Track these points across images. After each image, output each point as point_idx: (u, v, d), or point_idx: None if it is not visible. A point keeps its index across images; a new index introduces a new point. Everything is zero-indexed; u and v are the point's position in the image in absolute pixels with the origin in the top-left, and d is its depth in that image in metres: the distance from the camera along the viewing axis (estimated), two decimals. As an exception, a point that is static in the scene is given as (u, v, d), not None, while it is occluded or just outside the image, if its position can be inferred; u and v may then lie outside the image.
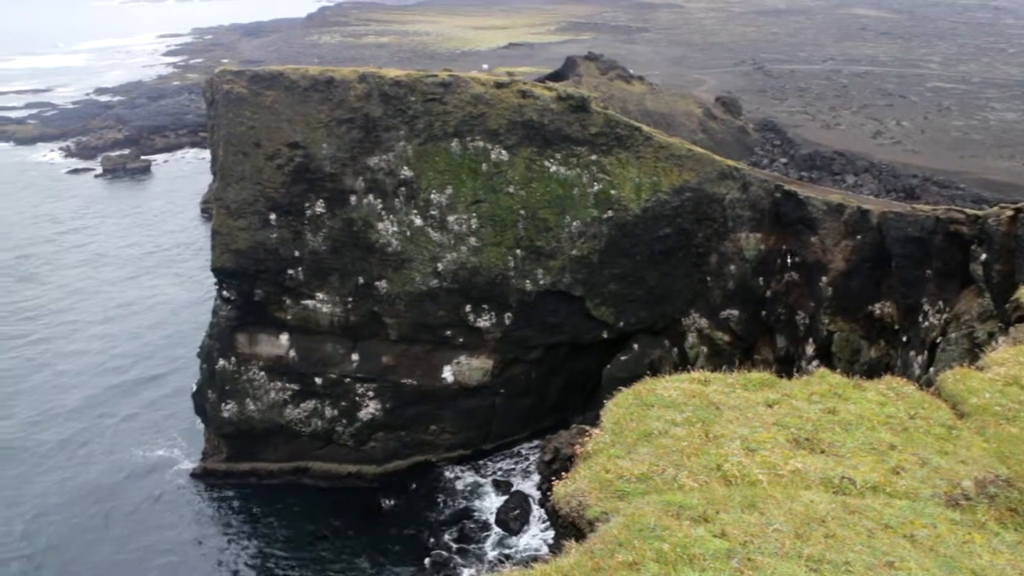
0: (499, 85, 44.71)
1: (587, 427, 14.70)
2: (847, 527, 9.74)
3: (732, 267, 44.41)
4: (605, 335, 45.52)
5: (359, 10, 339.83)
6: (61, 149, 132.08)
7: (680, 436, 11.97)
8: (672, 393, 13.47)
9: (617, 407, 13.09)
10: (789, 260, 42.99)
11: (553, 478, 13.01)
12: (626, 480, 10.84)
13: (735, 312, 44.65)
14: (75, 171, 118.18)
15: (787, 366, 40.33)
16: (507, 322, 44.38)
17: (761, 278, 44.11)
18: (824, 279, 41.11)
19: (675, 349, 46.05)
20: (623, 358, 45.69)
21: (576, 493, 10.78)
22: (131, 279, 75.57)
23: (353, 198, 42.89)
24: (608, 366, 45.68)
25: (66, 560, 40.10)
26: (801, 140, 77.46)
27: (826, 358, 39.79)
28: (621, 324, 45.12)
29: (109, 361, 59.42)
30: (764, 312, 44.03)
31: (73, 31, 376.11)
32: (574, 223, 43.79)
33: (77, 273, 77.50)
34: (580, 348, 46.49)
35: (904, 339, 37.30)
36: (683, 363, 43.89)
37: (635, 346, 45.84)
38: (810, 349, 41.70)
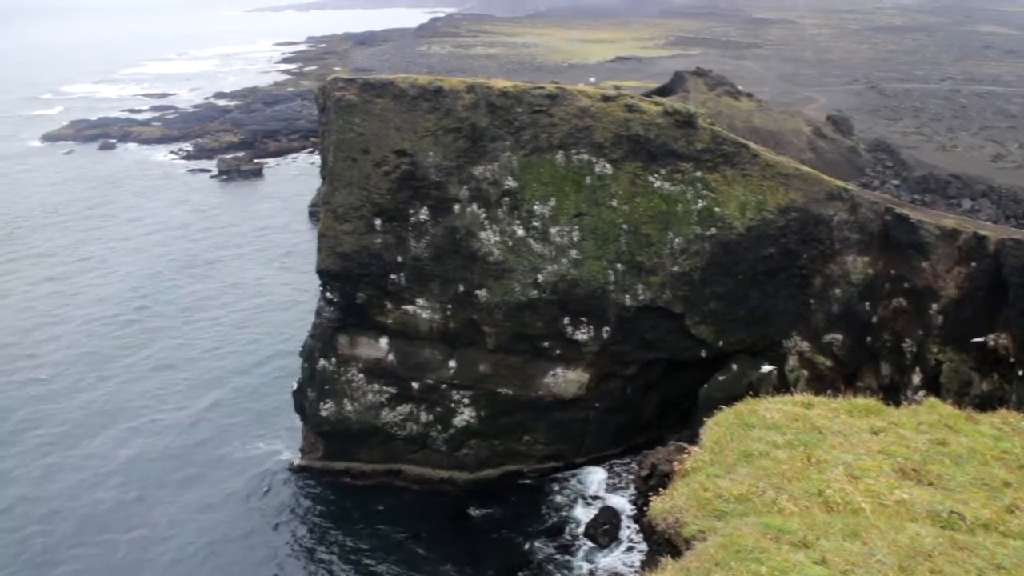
0: (606, 98, 44.68)
1: (685, 444, 14.57)
2: (955, 564, 9.42)
3: (837, 290, 43.29)
4: (703, 354, 44.86)
5: (469, 21, 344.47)
6: (181, 150, 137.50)
7: (781, 459, 11.76)
8: (774, 415, 13.25)
9: (718, 426, 12.96)
10: (898, 285, 41.67)
11: (650, 494, 12.93)
12: (725, 500, 10.71)
13: (839, 336, 43.48)
14: (192, 171, 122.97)
15: (892, 395, 39.06)
16: (605, 336, 44.21)
17: (867, 303, 42.87)
18: (934, 306, 39.71)
19: (775, 371, 45.07)
20: (721, 378, 44.94)
21: (673, 510, 10.70)
22: (239, 278, 78.08)
23: (457, 206, 43.43)
24: (705, 385, 44.99)
25: (161, 543, 41.56)
26: (915, 162, 75.09)
27: (933, 388, 38.39)
28: (720, 343, 44.43)
29: (216, 356, 61.48)
30: (869, 338, 42.76)
31: (199, 39, 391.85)
32: (676, 239, 43.39)
33: (188, 271, 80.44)
34: (677, 366, 45.96)
35: (1020, 373, 35.72)
36: (783, 386, 42.93)
37: (734, 366, 45.04)
38: (917, 378, 40.30)
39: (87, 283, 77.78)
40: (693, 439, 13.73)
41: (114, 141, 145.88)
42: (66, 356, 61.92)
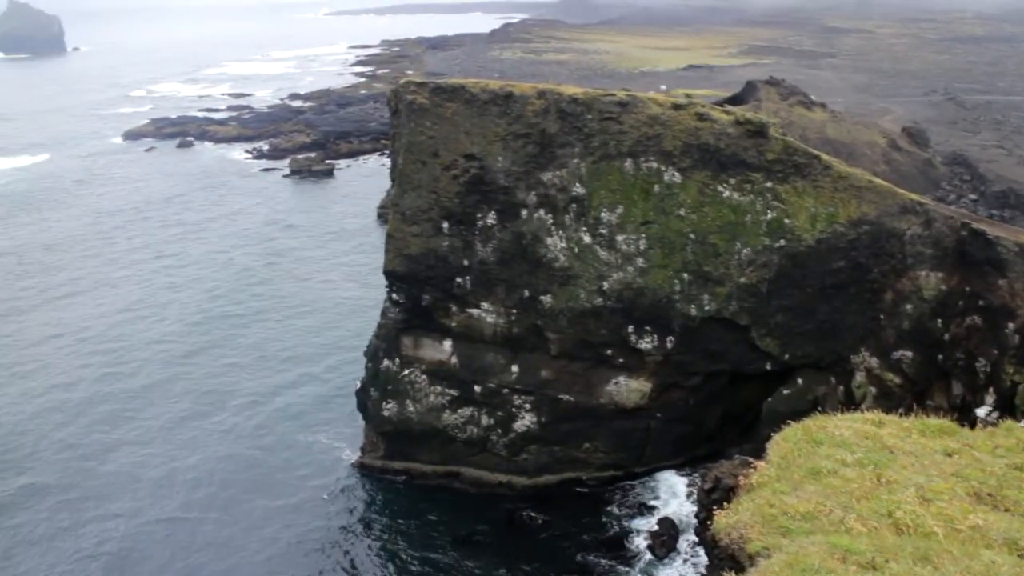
0: (676, 107, 44.38)
1: (750, 459, 14.38)
2: (1030, 593, 9.16)
3: (908, 306, 42.33)
4: (768, 367, 44.26)
5: (541, 27, 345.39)
6: (255, 149, 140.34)
7: (850, 477, 11.53)
8: (843, 432, 13.00)
9: (785, 441, 12.77)
10: (972, 303, 40.61)
11: (713, 507, 12.80)
12: (791, 517, 10.54)
13: (908, 353, 42.52)
14: (265, 170, 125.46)
15: (963, 415, 38.05)
16: (669, 346, 43.88)
17: (940, 320, 41.84)
18: (1011, 326, 38.58)
19: (841, 387, 44.24)
20: (786, 392, 44.30)
21: (737, 525, 10.57)
22: (307, 277, 79.35)
23: (524, 212, 43.53)
24: (769, 399, 44.40)
25: (218, 535, 42.41)
26: (994, 176, 73.15)
27: (1007, 410, 37.30)
28: (786, 357, 43.77)
29: (281, 354, 62.56)
30: (941, 356, 41.73)
31: (279, 41, 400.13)
32: (744, 250, 42.88)
33: (257, 269, 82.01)
34: (741, 378, 45.43)
35: (1100, 398, 34.51)
36: (849, 402, 42.11)
37: (799, 381, 44.35)
38: (990, 399, 39.20)
39: (161, 282, 79.76)
40: (757, 453, 13.52)
41: (192, 139, 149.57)
42: (140, 353, 63.52)
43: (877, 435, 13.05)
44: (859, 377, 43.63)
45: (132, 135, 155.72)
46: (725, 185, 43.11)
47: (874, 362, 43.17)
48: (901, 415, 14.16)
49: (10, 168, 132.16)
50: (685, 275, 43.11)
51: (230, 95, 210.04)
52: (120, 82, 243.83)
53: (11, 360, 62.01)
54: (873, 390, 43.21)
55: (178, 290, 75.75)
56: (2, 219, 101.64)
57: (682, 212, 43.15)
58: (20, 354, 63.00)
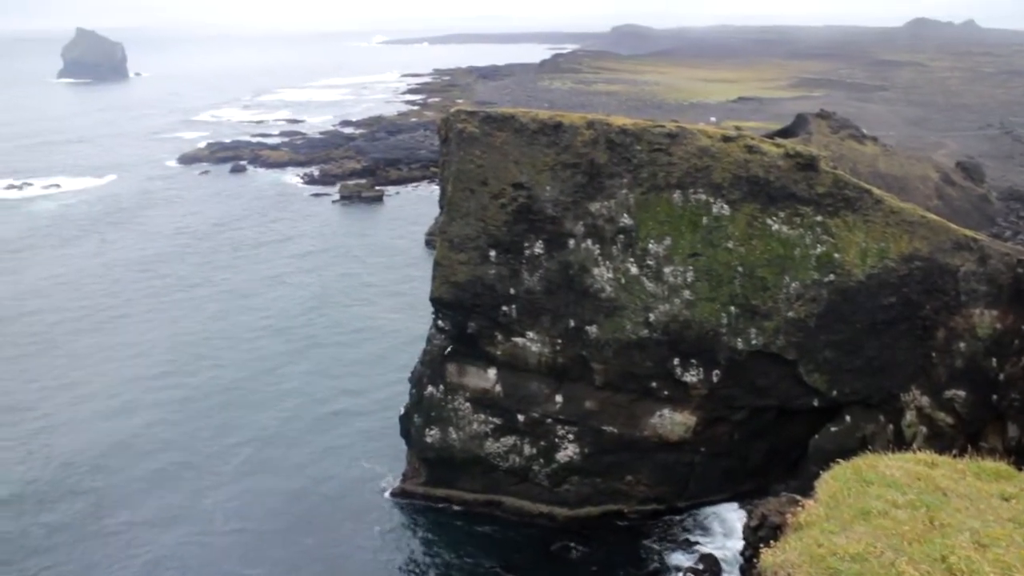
0: (726, 139, 44.23)
1: (798, 497, 14.14)
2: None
3: (961, 344, 41.49)
4: (816, 403, 43.60)
5: (591, 58, 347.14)
6: (306, 175, 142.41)
7: (902, 519, 11.27)
8: (895, 472, 12.73)
9: (834, 480, 12.53)
10: (1030, 343, 39.67)
11: (759, 545, 12.60)
12: (840, 558, 10.32)
13: (961, 393, 41.62)
14: (316, 195, 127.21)
15: (1020, 458, 37.08)
16: (714, 379, 43.45)
17: (994, 359, 40.92)
18: (1070, 368, 37.62)
19: (891, 426, 43.39)
20: (833, 429, 43.56)
21: (785, 564, 10.38)
22: (353, 301, 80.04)
23: (571, 241, 43.55)
24: (816, 436, 43.67)
25: (255, 557, 42.57)
26: (1052, 214, 71.66)
27: (1066, 454, 36.30)
28: (834, 393, 43.09)
29: (326, 377, 63.06)
30: (995, 396, 40.77)
31: (331, 68, 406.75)
32: (793, 284, 42.44)
33: (305, 292, 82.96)
34: (788, 413, 44.78)
35: None
36: (899, 442, 41.27)
37: (847, 418, 43.59)
38: (1047, 442, 38.19)
39: (210, 307, 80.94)
40: (803, 490, 13.27)
41: (245, 164, 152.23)
42: (189, 379, 64.35)
43: (930, 476, 12.76)
44: (909, 416, 42.79)
45: (188, 159, 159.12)
46: (774, 218, 42.79)
47: (925, 401, 42.32)
48: (954, 456, 13.82)
49: (75, 189, 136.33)
50: (732, 308, 42.75)
51: (283, 121, 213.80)
52: (178, 107, 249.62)
53: (61, 383, 63.21)
54: (924, 430, 42.34)
55: (227, 315, 76.77)
56: (66, 241, 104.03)
57: (730, 245, 42.87)
58: (71, 377, 64.21)
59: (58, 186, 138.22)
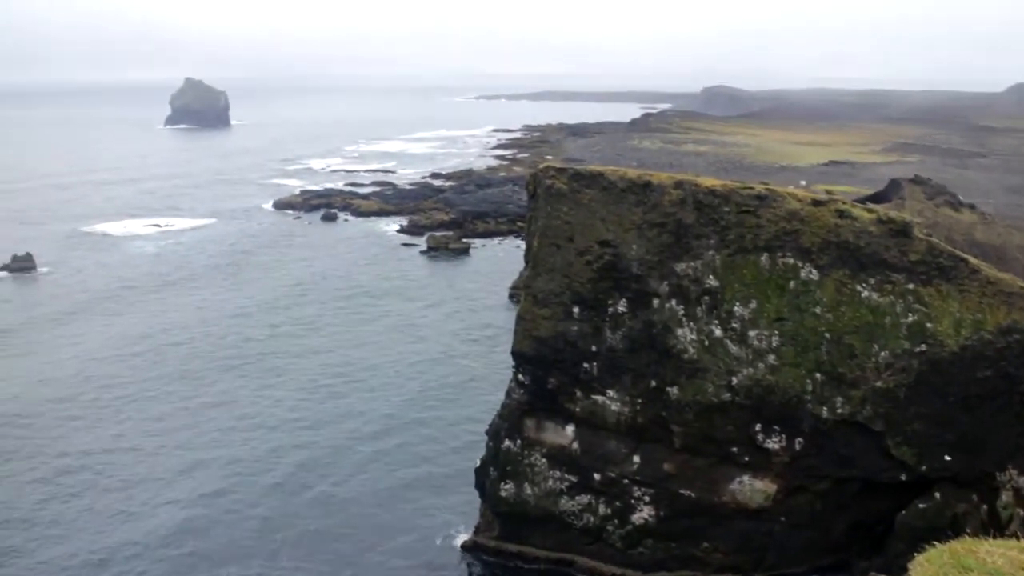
0: (816, 203, 43.78)
1: None
2: None
3: (1063, 424, 39.78)
4: (903, 477, 42.16)
5: (681, 118, 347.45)
6: (395, 224, 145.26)
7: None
8: (997, 560, 12.17)
9: (929, 564, 12.04)
10: None
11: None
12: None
13: (1062, 476, 39.80)
14: (404, 245, 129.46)
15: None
16: (797, 447, 42.46)
17: (1098, 441, 39.11)
18: None
19: (984, 506, 41.62)
20: (922, 506, 41.99)
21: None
22: (436, 352, 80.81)
23: (656, 301, 43.42)
24: (903, 512, 42.15)
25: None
26: None
27: None
28: (923, 468, 41.62)
29: (403, 426, 63.58)
30: (1099, 481, 38.89)
31: (425, 121, 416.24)
32: (882, 353, 41.41)
33: (390, 340, 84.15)
34: (873, 487, 43.36)
35: None
36: (993, 524, 39.53)
37: (937, 495, 41.98)
38: None
39: (293, 350, 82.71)
40: (888, 569, 12.82)
41: (336, 212, 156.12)
42: (265, 419, 65.66)
43: (1036, 566, 12.18)
44: (1005, 497, 41.03)
45: (282, 204, 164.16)
46: (864, 285, 41.99)
47: (1023, 481, 40.59)
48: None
49: (175, 230, 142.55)
50: (818, 375, 41.89)
51: (375, 171, 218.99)
52: (275, 155, 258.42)
53: (158, 427, 65.12)
54: (1021, 512, 40.54)
55: (309, 359, 78.26)
56: (169, 285, 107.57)
57: (818, 310, 42.17)
58: (177, 423, 66.15)
59: (158, 226, 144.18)
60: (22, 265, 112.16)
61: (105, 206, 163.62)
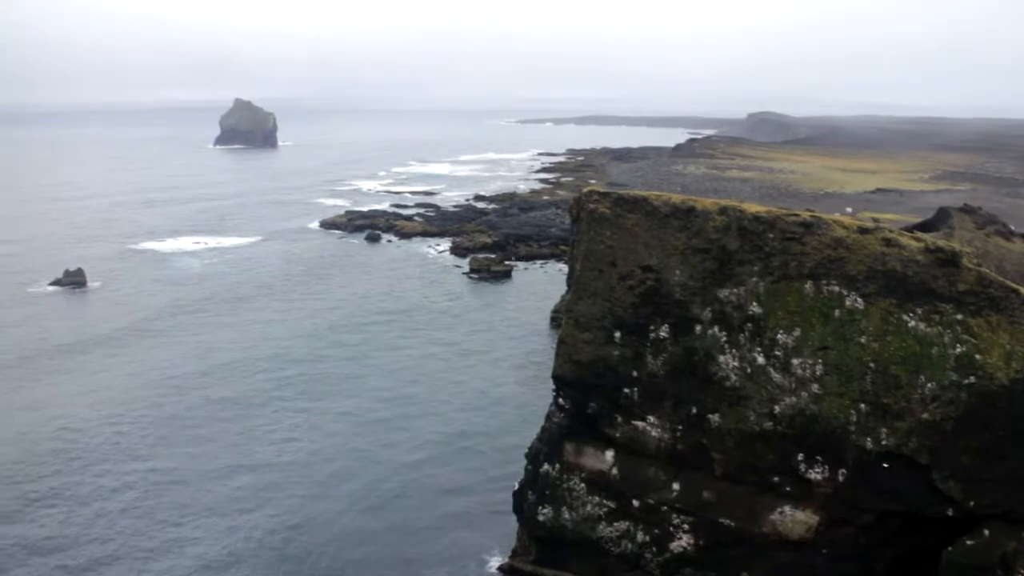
0: (862, 230, 43.26)
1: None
2: None
3: (1118, 462, 38.71)
4: (950, 512, 41.21)
5: (726, 144, 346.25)
6: (437, 246, 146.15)
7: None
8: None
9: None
10: None
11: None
12: None
13: (1116, 514, 38.70)
14: (446, 267, 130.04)
15: None
16: (840, 479, 41.77)
17: None
18: None
19: (1035, 545, 40.52)
20: (969, 543, 40.96)
21: None
22: (477, 375, 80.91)
23: (698, 327, 43.13)
24: (950, 548, 41.17)
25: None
26: None
27: None
28: (971, 503, 40.66)
29: (441, 448, 63.73)
30: None
31: (470, 145, 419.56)
32: (929, 384, 40.65)
33: (431, 361, 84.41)
34: (919, 521, 42.47)
35: None
36: (1043, 562, 38.49)
37: (985, 532, 40.94)
38: None
39: (338, 370, 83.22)
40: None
41: (379, 232, 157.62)
42: (305, 444, 66.11)
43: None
44: (1055, 535, 39.92)
45: (327, 224, 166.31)
46: (911, 314, 41.34)
47: (1073, 520, 39.51)
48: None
49: (225, 247, 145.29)
50: (862, 405, 41.24)
51: (419, 193, 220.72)
52: (321, 175, 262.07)
53: (202, 451, 65.86)
54: (1072, 551, 39.41)
55: (350, 379, 78.72)
56: (214, 306, 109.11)
57: (863, 339, 41.57)
58: (221, 448, 66.83)
59: (205, 244, 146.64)
60: (74, 280, 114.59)
61: (155, 224, 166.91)
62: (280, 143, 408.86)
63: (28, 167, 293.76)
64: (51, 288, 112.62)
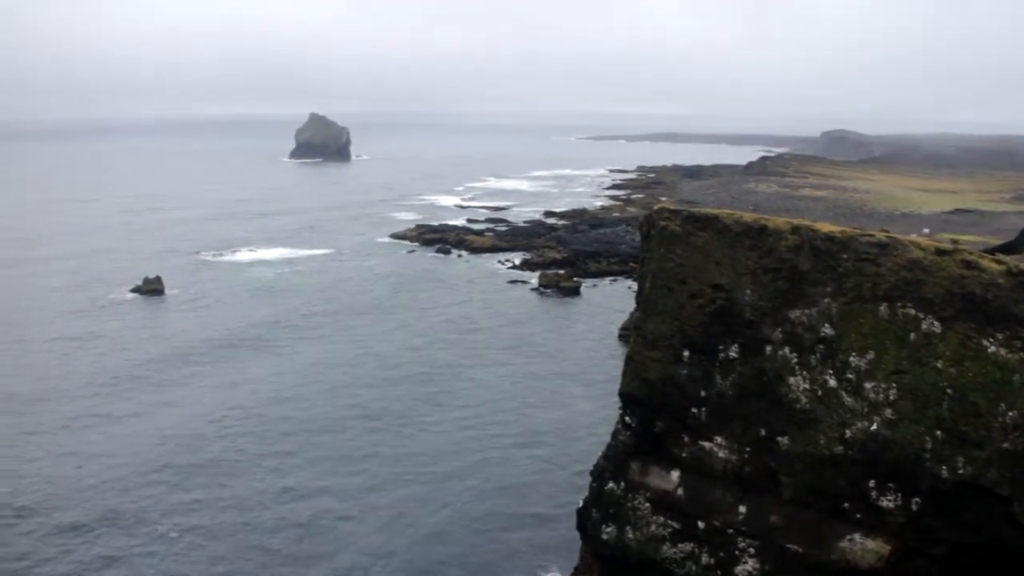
0: (940, 252, 42.15)
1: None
2: None
3: None
4: (1031, 546, 39.88)
5: (799, 162, 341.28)
6: (507, 261, 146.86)
7: None
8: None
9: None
10: None
11: None
12: None
13: None
14: (514, 282, 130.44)
15: None
16: (913, 507, 40.65)
17: None
18: None
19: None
20: (1050, 577, 39.61)
21: None
22: (543, 389, 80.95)
23: (768, 348, 42.50)
24: (1030, 582, 39.83)
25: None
26: None
27: None
28: (1053, 537, 39.28)
29: (505, 464, 63.75)
30: None
31: (540, 161, 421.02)
32: (1010, 413, 39.34)
33: (496, 376, 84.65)
34: (997, 554, 41.13)
35: None
36: None
37: (1068, 567, 39.56)
38: None
39: (399, 390, 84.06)
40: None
41: (450, 247, 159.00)
42: (357, 464, 66.61)
43: None
44: None
45: (398, 237, 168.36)
46: (991, 340, 40.13)
47: None
48: None
49: (297, 258, 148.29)
50: (938, 433, 40.11)
51: (489, 208, 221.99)
52: (393, 189, 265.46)
53: (277, 474, 66.98)
54: None
55: (414, 397, 79.16)
56: (284, 323, 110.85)
57: (940, 364, 40.47)
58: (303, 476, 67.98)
59: (280, 255, 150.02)
60: (152, 288, 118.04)
61: (231, 234, 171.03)
62: (354, 156, 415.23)
63: (113, 178, 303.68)
64: (130, 295, 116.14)
